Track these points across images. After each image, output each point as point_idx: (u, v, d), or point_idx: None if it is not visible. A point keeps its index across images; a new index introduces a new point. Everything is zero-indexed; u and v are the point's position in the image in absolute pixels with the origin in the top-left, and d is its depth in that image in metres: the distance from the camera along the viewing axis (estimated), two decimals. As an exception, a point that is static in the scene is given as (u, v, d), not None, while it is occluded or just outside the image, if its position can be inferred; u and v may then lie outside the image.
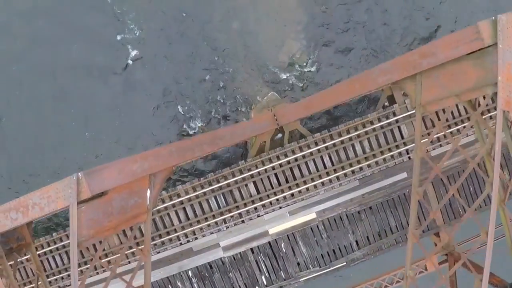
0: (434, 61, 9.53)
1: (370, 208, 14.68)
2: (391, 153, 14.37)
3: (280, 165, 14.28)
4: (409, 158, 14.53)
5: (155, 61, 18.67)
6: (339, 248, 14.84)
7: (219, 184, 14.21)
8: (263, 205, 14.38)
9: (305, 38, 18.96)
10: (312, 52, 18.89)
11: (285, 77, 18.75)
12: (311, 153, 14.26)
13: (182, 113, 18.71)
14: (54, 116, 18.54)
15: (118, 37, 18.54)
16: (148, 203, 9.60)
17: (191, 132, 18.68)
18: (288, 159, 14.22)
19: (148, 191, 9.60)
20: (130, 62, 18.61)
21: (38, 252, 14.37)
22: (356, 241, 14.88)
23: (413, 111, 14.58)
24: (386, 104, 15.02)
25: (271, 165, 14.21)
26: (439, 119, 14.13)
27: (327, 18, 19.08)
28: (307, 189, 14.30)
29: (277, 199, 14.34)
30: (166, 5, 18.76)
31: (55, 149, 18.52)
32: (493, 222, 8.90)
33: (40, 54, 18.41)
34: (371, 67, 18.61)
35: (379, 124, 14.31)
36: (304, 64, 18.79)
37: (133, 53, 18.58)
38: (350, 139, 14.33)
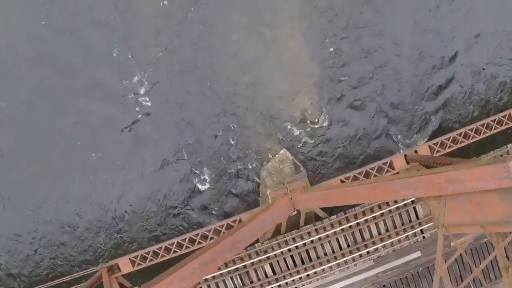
0: (460, 188, 9.50)
1: (384, 286, 14.88)
2: (406, 234, 14.47)
3: (296, 247, 14.37)
4: (423, 237, 14.65)
5: (165, 116, 18.41)
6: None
7: (235, 266, 14.30)
8: (279, 286, 14.52)
9: (317, 93, 18.75)
10: (324, 107, 18.70)
11: (297, 133, 18.61)
12: (327, 235, 14.33)
13: (193, 169, 18.61)
14: (61, 167, 18.42)
15: (127, 93, 18.24)
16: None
17: (202, 189, 18.63)
18: (304, 241, 14.29)
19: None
20: (139, 117, 18.36)
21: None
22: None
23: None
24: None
25: (287, 247, 14.29)
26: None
27: (339, 72, 18.85)
28: (323, 270, 14.44)
29: (293, 280, 14.48)
30: (177, 60, 18.41)
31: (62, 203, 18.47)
32: None
33: (46, 107, 18.14)
34: (382, 124, 18.92)
35: (395, 206, 14.36)
36: (316, 120, 18.64)
37: (143, 107, 18.32)
38: (366, 221, 14.39)
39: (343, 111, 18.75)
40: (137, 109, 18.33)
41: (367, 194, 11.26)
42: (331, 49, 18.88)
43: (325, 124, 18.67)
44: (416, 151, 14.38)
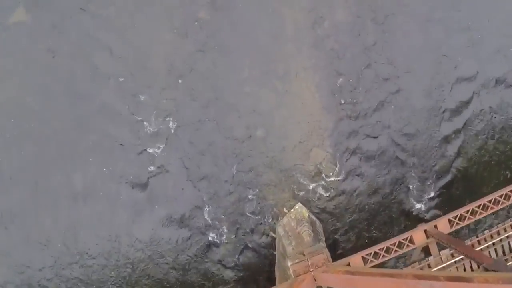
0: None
1: None
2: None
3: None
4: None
5: (179, 173, 18.34)
6: None
7: None
8: None
9: (331, 145, 18.75)
10: (338, 159, 18.74)
11: (311, 187, 18.67)
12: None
13: (210, 222, 18.70)
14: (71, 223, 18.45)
15: (140, 148, 18.16)
16: None
17: (218, 243, 18.78)
18: (326, 315, 14.51)
19: None
20: (152, 172, 18.32)
21: None
22: None
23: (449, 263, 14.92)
24: (422, 256, 15.22)
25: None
26: None
27: (353, 124, 18.82)
28: None
29: None
30: (190, 114, 18.30)
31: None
32: None
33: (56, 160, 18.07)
34: (396, 175, 19.00)
35: (414, 278, 14.54)
36: (330, 173, 18.68)
37: (156, 162, 18.27)
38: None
39: (357, 163, 18.80)
40: (150, 167, 18.26)
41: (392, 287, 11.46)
42: (343, 100, 18.83)
43: (340, 177, 18.73)
44: (435, 226, 14.50)
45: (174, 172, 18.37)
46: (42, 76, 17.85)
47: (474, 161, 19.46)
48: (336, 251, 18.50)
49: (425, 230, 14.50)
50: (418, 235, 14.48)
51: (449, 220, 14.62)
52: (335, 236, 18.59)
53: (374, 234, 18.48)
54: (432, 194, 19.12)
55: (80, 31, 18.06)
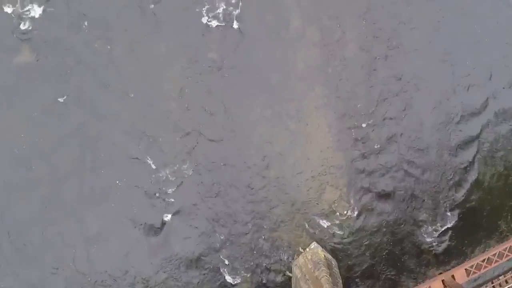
0: None
1: None
2: None
3: None
4: None
5: (193, 213, 18.41)
6: None
7: None
8: None
9: (344, 184, 18.90)
10: (352, 198, 18.89)
11: (326, 226, 18.84)
12: None
13: (226, 262, 18.89)
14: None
15: (156, 190, 18.30)
16: None
17: (234, 283, 19.01)
18: None
19: None
20: (167, 214, 18.45)
21: None
22: None
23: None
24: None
25: None
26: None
27: (366, 162, 18.95)
28: None
29: None
30: (204, 156, 18.41)
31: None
32: None
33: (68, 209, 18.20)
34: (410, 211, 19.18)
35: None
36: (344, 212, 18.85)
37: (171, 206, 18.39)
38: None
39: (371, 200, 18.94)
40: (164, 208, 18.37)
41: None
42: (356, 138, 18.96)
43: (354, 215, 18.89)
44: (453, 276, 14.75)
45: (188, 213, 18.49)
46: (53, 121, 17.92)
47: (489, 192, 19.63)
48: (352, 291, 18.79)
49: (443, 280, 14.74)
50: (436, 285, 14.73)
51: (466, 270, 14.86)
52: (350, 275, 18.85)
53: (389, 275, 18.74)
54: (445, 228, 19.32)
55: (87, 70, 18.13)
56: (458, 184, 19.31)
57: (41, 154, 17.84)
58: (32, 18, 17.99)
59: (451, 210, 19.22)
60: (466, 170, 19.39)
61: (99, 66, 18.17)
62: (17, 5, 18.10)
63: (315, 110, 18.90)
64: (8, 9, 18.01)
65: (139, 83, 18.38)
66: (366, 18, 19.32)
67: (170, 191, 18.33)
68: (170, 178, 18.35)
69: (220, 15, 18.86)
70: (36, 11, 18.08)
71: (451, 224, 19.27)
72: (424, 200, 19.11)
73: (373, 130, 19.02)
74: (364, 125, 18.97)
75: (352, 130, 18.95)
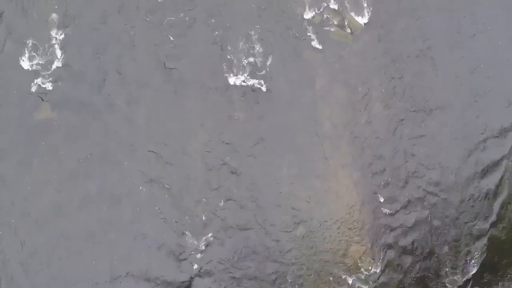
0: None
1: None
2: None
3: None
4: None
5: (221, 277, 18.92)
6: None
7: None
8: None
9: (369, 241, 19.30)
10: (377, 254, 19.34)
11: (350, 281, 19.35)
12: None
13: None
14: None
15: (185, 255, 18.67)
16: None
17: (262, 337, 19.64)
18: None
19: None
20: (194, 277, 18.91)
21: None
22: None
23: None
24: None
25: None
26: None
27: (390, 219, 19.31)
28: None
29: None
30: (228, 216, 18.72)
31: None
32: None
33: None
34: (432, 264, 19.67)
35: None
36: (369, 267, 19.33)
37: (199, 270, 18.72)
38: None
39: (395, 257, 19.42)
40: (192, 273, 18.70)
41: None
42: (381, 197, 19.25)
43: (378, 270, 19.38)
44: None
45: (216, 275, 18.89)
46: (77, 181, 18.14)
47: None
48: None
49: None
50: None
51: None
52: (375, 329, 19.52)
53: (414, 333, 19.43)
54: (466, 278, 19.89)
55: (109, 131, 18.30)
56: (477, 238, 19.78)
57: (65, 212, 18.15)
58: (51, 74, 18.11)
59: (472, 262, 19.75)
60: (488, 215, 19.77)
61: (124, 129, 18.33)
62: (35, 60, 18.13)
63: (341, 169, 19.13)
64: (25, 64, 18.10)
65: (164, 147, 18.58)
66: (391, 76, 19.35)
67: (197, 255, 18.52)
68: (197, 243, 18.58)
69: (247, 74, 18.87)
70: (55, 64, 18.20)
71: (472, 275, 19.83)
72: (445, 254, 19.60)
73: (397, 187, 19.29)
74: (389, 183, 19.24)
75: (378, 189, 19.22)
